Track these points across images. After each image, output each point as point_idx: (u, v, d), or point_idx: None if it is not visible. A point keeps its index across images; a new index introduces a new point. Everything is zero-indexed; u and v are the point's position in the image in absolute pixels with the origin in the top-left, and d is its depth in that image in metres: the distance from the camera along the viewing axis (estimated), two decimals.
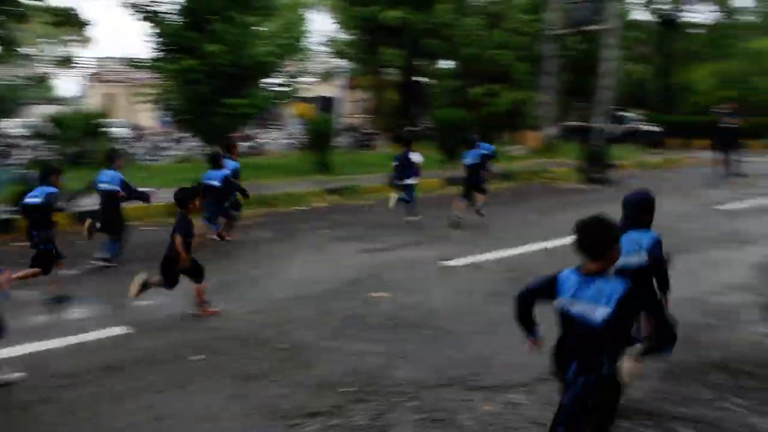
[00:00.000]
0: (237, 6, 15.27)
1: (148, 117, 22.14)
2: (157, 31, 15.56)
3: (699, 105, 39.41)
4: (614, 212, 11.43)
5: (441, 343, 5.39)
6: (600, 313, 3.00)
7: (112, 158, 8.56)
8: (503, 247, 8.73)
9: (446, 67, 30.49)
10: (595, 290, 3.05)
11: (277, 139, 26.09)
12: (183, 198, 6.18)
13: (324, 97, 30.22)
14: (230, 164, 9.64)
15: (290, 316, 6.11)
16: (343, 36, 22.39)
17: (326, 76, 24.21)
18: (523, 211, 12.08)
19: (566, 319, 3.19)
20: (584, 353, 3.13)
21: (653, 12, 35.49)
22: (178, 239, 5.92)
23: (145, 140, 25.50)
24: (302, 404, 4.32)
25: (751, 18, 37.97)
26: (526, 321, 3.60)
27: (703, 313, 6.08)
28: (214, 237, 9.33)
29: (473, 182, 10.72)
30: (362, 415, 4.18)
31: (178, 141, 24.29)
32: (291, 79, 17.49)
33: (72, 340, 5.51)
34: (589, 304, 3.05)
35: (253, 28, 15.33)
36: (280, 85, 17.37)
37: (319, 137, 16.35)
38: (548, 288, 3.31)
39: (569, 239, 8.83)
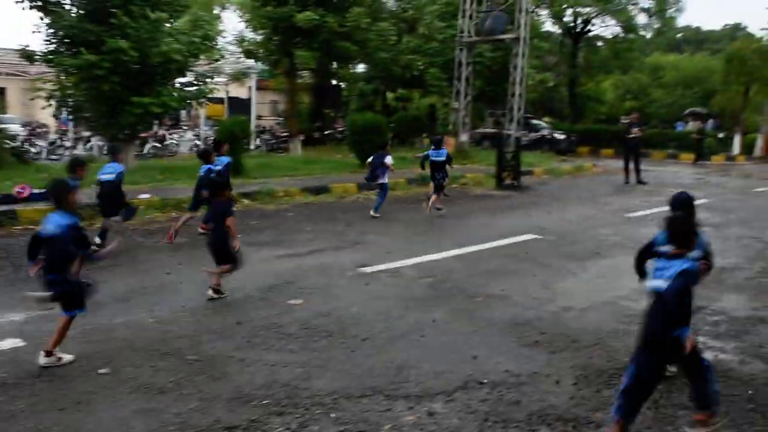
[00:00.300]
0: (142, 0, 14.64)
1: (46, 113, 21.00)
2: (52, 21, 14.67)
3: (605, 115, 41.42)
4: (525, 217, 11.71)
5: (360, 351, 5.31)
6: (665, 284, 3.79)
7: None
8: (420, 254, 8.74)
9: (360, 71, 30.64)
10: (675, 269, 3.79)
11: (188, 140, 25.36)
12: (214, 188, 7.57)
13: (236, 99, 29.61)
14: (223, 159, 10.47)
15: (204, 325, 5.88)
16: (254, 36, 21.98)
17: (238, 76, 23.69)
18: (438, 217, 12.16)
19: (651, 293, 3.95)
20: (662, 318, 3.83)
21: (561, 24, 36.84)
22: (233, 221, 6.79)
23: (43, 138, 24.20)
24: (217, 419, 4.13)
25: (648, 34, 40.10)
26: (641, 271, 4.94)
27: (616, 318, 6.28)
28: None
29: (439, 179, 12.16)
30: (281, 428, 4.04)
31: (81, 140, 23.21)
32: (202, 79, 16.98)
33: None
34: (666, 281, 3.79)
35: (161, 24, 14.71)
36: (190, 84, 16.83)
37: (231, 139, 15.92)
38: (649, 246, 4.74)
39: (484, 245, 8.99)
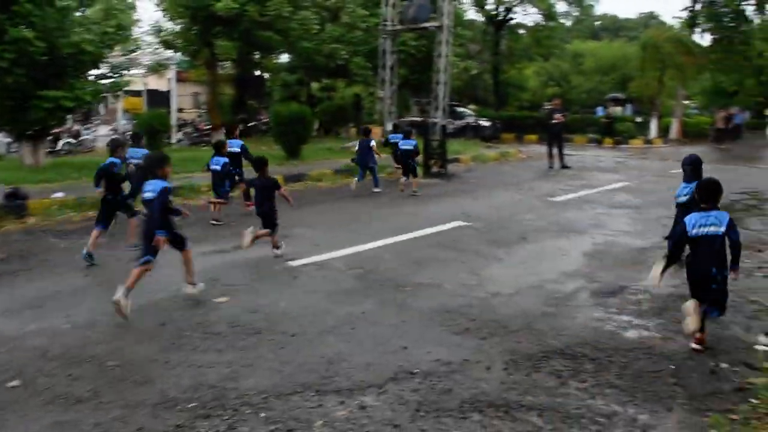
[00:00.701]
0: None
1: None
2: None
3: (528, 101, 42.39)
4: (453, 205, 11.75)
5: (289, 347, 5.19)
6: (720, 230, 5.13)
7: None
8: (348, 245, 8.66)
9: (284, 61, 30.19)
10: (713, 218, 5.17)
11: (104, 135, 24.40)
12: (257, 164, 8.65)
13: (155, 91, 28.66)
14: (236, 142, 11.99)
15: (125, 329, 5.62)
16: (172, 26, 21.30)
17: (156, 68, 22.92)
18: (367, 207, 12.12)
19: (696, 240, 5.18)
20: (716, 258, 5.13)
21: (484, 13, 37.33)
22: (286, 190, 8.34)
23: None
24: (140, 427, 3.95)
25: (568, 22, 41.19)
26: (675, 260, 5.50)
27: (543, 302, 6.37)
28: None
29: (411, 164, 13.94)
30: (209, 431, 3.90)
31: None
32: (117, 71, 16.32)
33: None
34: (712, 227, 5.14)
35: (70, 13, 13.97)
36: (104, 76, 16.14)
37: (150, 133, 15.40)
38: (684, 229, 5.24)
39: (412, 234, 8.97)
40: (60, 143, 20.77)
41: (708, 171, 6.73)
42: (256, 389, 4.44)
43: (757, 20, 33.02)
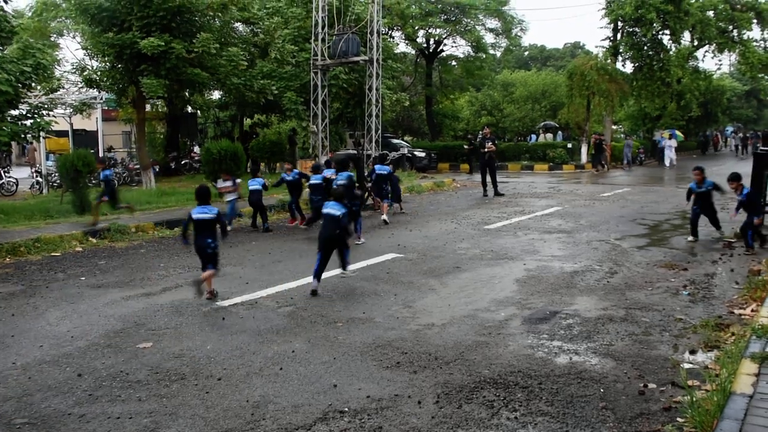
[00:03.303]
0: None
1: None
2: None
3: (462, 130, 43.11)
4: (387, 237, 11.64)
5: (214, 392, 4.97)
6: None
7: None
8: (279, 282, 8.49)
9: (215, 97, 29.86)
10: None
11: (27, 178, 23.51)
12: (340, 163, 12.16)
13: (82, 131, 27.86)
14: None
15: (38, 382, 5.28)
16: (95, 64, 20.79)
17: (80, 107, 22.28)
18: (298, 243, 11.94)
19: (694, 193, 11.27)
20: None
21: (414, 45, 37.94)
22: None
23: None
24: None
25: (497, 53, 42.28)
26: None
27: (476, 331, 6.33)
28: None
29: (379, 191, 14.85)
30: None
31: None
32: (37, 111, 15.75)
33: None
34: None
35: None
36: (24, 117, 15.54)
37: (75, 174, 14.88)
38: (690, 191, 11.35)
39: (341, 271, 8.76)
40: None
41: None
42: None
43: (673, 49, 34.66)
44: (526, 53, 69.85)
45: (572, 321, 6.66)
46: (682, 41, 35.20)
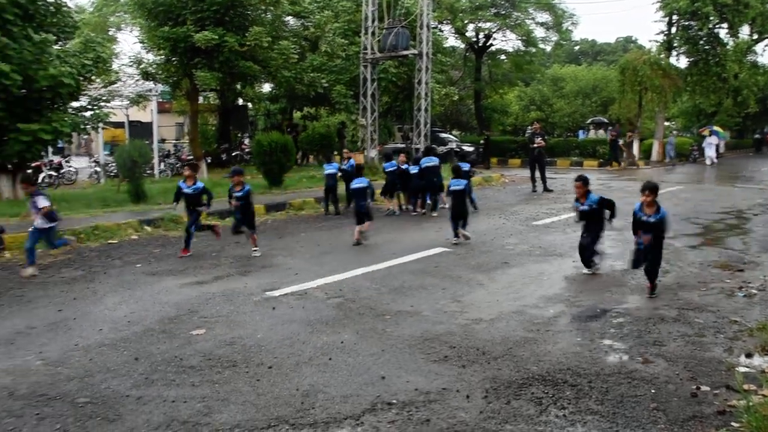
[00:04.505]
0: (24, 20, 13.85)
1: None
2: None
3: (511, 125, 42.75)
4: (434, 231, 11.68)
5: (264, 379, 5.08)
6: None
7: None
8: (328, 274, 8.59)
9: (266, 90, 30.28)
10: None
11: (86, 167, 24.26)
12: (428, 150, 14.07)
13: (137, 122, 28.59)
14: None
15: (98, 364, 5.48)
16: (152, 57, 21.32)
17: (137, 99, 22.88)
18: (348, 235, 12.04)
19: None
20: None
21: (464, 39, 37.73)
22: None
23: None
24: None
25: (548, 47, 41.74)
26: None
27: (524, 327, 6.31)
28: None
29: (431, 184, 14.56)
30: None
31: None
32: (97, 103, 16.25)
33: None
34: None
35: (47, 46, 13.93)
36: (84, 108, 16.06)
37: (131, 165, 15.30)
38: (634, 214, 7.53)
39: (392, 261, 8.87)
40: (41, 176, 20.58)
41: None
42: (229, 424, 4.33)
43: (731, 43, 33.63)
44: (577, 48, 68.67)
45: (623, 320, 6.57)
46: (740, 35, 34.10)
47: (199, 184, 10.39)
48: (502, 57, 39.86)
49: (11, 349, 5.88)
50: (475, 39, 37.82)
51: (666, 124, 38.35)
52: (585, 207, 8.49)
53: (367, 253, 10.14)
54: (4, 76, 12.98)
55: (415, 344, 5.85)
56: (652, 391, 4.80)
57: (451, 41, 38.30)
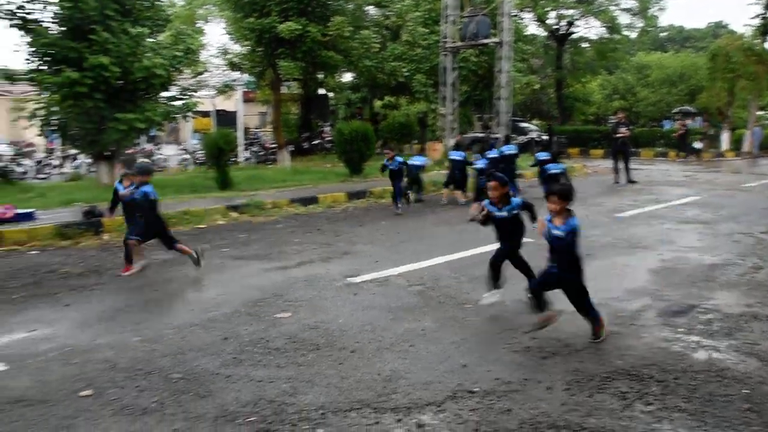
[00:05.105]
0: (122, 15, 14.58)
1: (33, 133, 20.96)
2: (32, 40, 14.59)
3: (593, 115, 41.62)
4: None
5: (347, 363, 5.21)
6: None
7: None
8: (408, 261, 8.66)
9: (347, 79, 30.62)
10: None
11: (175, 155, 25.26)
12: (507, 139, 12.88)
13: (223, 111, 29.53)
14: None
15: (189, 342, 5.76)
16: (237, 48, 21.96)
17: (223, 89, 23.64)
18: (427, 224, 12.11)
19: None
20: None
21: (545, 27, 36.98)
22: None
23: (30, 157, 24.08)
24: None
25: (632, 34, 40.35)
26: None
27: (608, 320, 6.18)
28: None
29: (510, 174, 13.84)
30: None
31: (69, 158, 23.10)
32: (186, 93, 16.89)
33: None
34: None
35: (142, 39, 14.65)
36: (174, 98, 16.74)
37: (218, 152, 15.86)
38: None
39: (473, 251, 8.89)
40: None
41: None
42: (314, 405, 4.46)
43: None
44: (664, 34, 66.02)
45: (712, 316, 6.35)
46: None
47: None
48: (585, 45, 38.84)
49: (112, 325, 6.25)
50: (556, 26, 36.99)
51: (760, 113, 36.42)
52: (503, 213, 6.59)
53: (447, 242, 10.16)
54: (105, 68, 13.72)
55: (496, 334, 5.86)
56: (745, 391, 4.64)
57: (532, 29, 37.61)
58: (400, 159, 13.83)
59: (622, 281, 7.74)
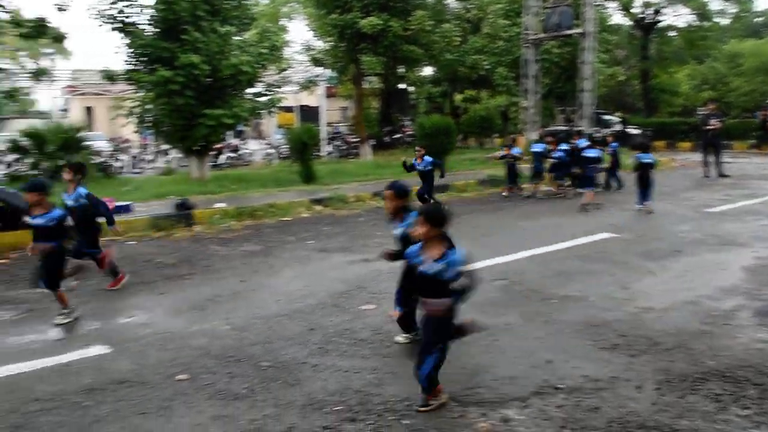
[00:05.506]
0: (212, 15, 15.12)
1: (129, 129, 22.06)
2: (131, 41, 15.36)
3: (680, 107, 39.95)
4: (600, 215, 11.33)
5: None
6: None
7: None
8: (491, 255, 8.61)
9: (427, 73, 30.59)
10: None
11: (259, 149, 25.95)
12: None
13: (306, 107, 30.10)
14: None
15: (277, 332, 5.94)
16: (320, 44, 22.34)
17: (306, 85, 24.11)
18: (510, 218, 11.99)
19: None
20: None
21: (630, 16, 35.79)
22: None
23: (126, 153, 25.29)
24: (291, 425, 4.15)
25: (725, 21, 38.48)
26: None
27: (699, 319, 5.99)
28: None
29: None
30: None
31: (162, 153, 24.12)
32: (271, 89, 17.34)
33: (50, 361, 5.31)
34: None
35: (230, 37, 15.17)
36: (260, 94, 17.22)
37: (301, 147, 16.22)
38: None
39: (557, 245, 8.77)
40: (222, 157, 22.36)
41: None
42: (399, 396, 4.52)
43: None
44: (759, 19, 62.41)
45: None
46: None
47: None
48: (672, 33, 37.29)
49: (204, 314, 6.52)
50: (642, 15, 35.68)
51: None
52: (398, 231, 5.43)
53: (530, 236, 10.05)
54: (195, 66, 14.29)
55: (582, 330, 5.76)
56: None
57: (617, 18, 36.43)
58: (430, 159, 12.48)
59: (713, 279, 7.44)
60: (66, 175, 7.54)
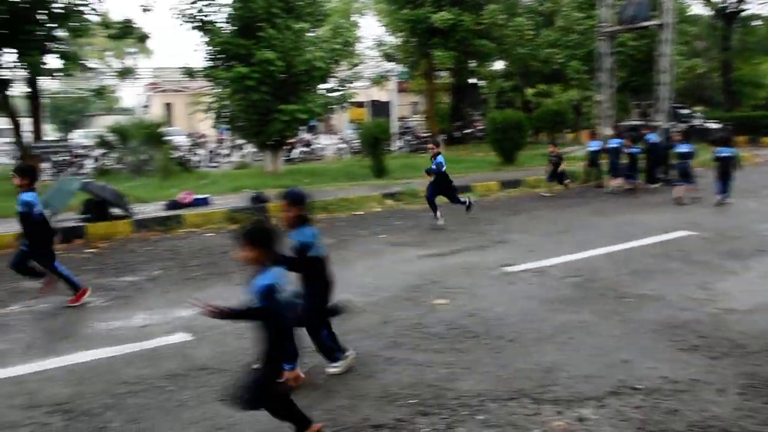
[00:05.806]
0: (286, 13, 15.44)
1: (207, 125, 22.78)
2: (209, 39, 15.86)
3: (764, 99, 38.11)
4: (677, 213, 11.02)
5: (505, 352, 5.24)
6: None
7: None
8: (565, 252, 8.51)
9: (498, 68, 30.27)
10: None
11: (331, 144, 26.30)
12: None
13: (377, 101, 30.29)
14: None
15: (351, 324, 6.02)
16: (392, 39, 22.43)
17: (378, 80, 24.24)
18: (583, 214, 11.78)
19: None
20: None
21: (711, 6, 34.38)
22: None
23: (203, 147, 26.09)
24: (366, 417, 4.24)
25: None
26: None
27: None
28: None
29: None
30: (428, 428, 4.07)
31: (237, 147, 24.76)
32: (343, 84, 17.56)
33: (136, 347, 5.58)
34: None
35: (303, 34, 15.47)
36: (332, 90, 17.47)
37: (373, 141, 16.37)
38: None
39: (632, 243, 8.58)
40: (295, 152, 22.79)
41: None
42: (473, 391, 4.55)
43: None
44: None
45: None
46: None
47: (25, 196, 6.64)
48: (757, 23, 35.56)
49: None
50: (724, 4, 34.18)
51: None
52: (294, 241, 4.75)
53: (605, 233, 9.86)
54: (270, 63, 14.64)
55: (660, 330, 5.63)
56: None
57: (697, 9, 35.05)
58: (441, 159, 10.78)
59: None
60: (15, 180, 6.76)
